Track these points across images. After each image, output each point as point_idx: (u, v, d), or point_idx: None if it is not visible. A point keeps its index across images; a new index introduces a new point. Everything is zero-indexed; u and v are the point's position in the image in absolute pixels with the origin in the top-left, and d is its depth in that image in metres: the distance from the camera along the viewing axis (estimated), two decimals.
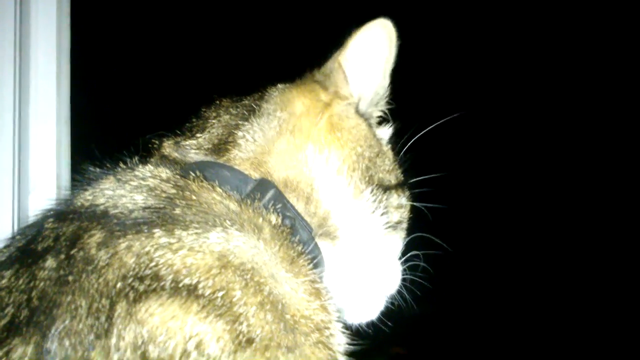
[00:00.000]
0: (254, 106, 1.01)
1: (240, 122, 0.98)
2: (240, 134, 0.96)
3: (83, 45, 1.78)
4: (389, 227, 1.01)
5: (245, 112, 1.01)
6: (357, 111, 1.05)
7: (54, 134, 1.59)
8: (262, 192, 0.87)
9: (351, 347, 0.77)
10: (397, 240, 1.04)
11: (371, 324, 0.99)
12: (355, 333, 0.81)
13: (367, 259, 0.98)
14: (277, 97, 1.03)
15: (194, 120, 1.08)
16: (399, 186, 1.04)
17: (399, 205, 1.03)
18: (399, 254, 1.05)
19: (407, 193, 1.06)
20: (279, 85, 1.07)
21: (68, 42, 1.66)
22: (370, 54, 1.03)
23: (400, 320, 1.05)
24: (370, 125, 1.06)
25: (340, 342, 0.76)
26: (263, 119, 0.98)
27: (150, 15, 2.85)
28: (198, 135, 1.00)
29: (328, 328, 0.75)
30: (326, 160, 0.95)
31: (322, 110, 1.00)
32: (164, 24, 2.91)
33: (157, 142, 1.04)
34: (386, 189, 1.00)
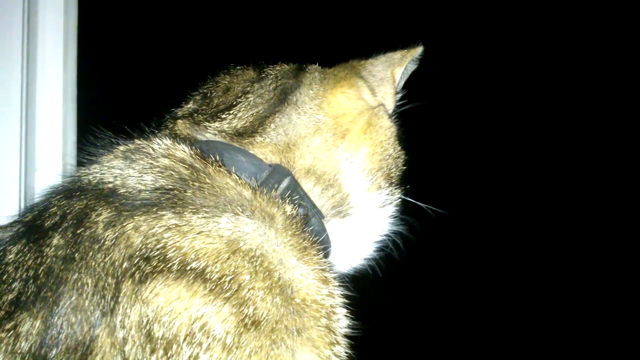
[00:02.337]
0: (290, 93, 0.98)
1: (273, 112, 0.95)
2: (272, 125, 0.93)
3: (90, 22, 1.77)
4: (391, 213, 1.04)
5: (278, 99, 0.97)
6: (389, 114, 1.08)
7: (61, 111, 1.60)
8: (277, 180, 0.86)
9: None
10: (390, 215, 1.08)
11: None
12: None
13: (368, 230, 1.02)
14: (316, 87, 1.00)
15: (211, 89, 1.04)
16: (402, 182, 1.07)
17: (398, 197, 1.06)
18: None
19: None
20: (317, 69, 1.05)
21: (75, 20, 1.66)
22: (408, 70, 1.12)
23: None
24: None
25: (343, 326, 0.77)
26: (301, 115, 0.95)
27: None
28: (221, 115, 0.95)
29: (335, 313, 0.76)
30: (356, 157, 0.97)
31: (364, 111, 1.01)
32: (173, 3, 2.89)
33: (170, 117, 1.01)
34: (397, 186, 1.03)
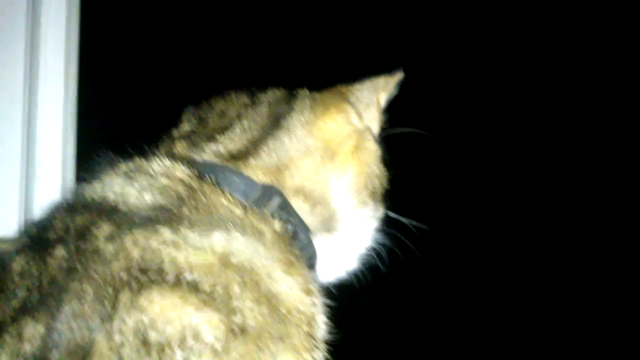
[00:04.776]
0: (282, 119, 1.03)
1: (266, 137, 1.00)
2: (265, 149, 0.99)
3: (92, 34, 1.82)
4: (374, 227, 1.11)
5: (271, 124, 1.03)
6: (374, 137, 1.15)
7: (61, 123, 1.64)
8: (268, 199, 0.92)
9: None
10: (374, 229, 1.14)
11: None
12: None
13: (353, 243, 1.09)
14: (307, 114, 1.05)
15: (207, 112, 1.09)
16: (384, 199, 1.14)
17: (382, 213, 1.13)
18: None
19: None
20: (307, 95, 1.11)
21: (77, 32, 1.70)
22: (391, 95, 1.19)
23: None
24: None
25: (323, 332, 0.83)
26: (292, 140, 1.01)
27: (159, 7, 2.88)
28: (217, 138, 1.01)
29: (316, 321, 0.82)
30: (344, 177, 1.04)
31: (352, 134, 1.08)
32: (174, 16, 2.94)
33: (168, 138, 1.07)
34: (381, 202, 1.11)
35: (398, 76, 1.18)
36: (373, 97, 1.15)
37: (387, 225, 1.12)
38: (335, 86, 1.16)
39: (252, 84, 1.13)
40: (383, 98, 1.16)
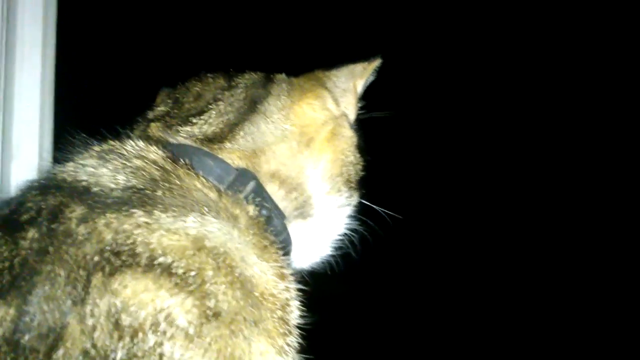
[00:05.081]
0: (259, 103, 1.02)
1: (242, 121, 0.99)
2: (241, 133, 0.98)
3: (70, 15, 1.79)
4: (349, 214, 1.11)
5: (248, 108, 1.02)
6: (350, 123, 1.14)
7: (38, 102, 1.62)
8: (243, 183, 0.91)
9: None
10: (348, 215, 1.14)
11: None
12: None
13: (327, 230, 1.09)
14: (284, 98, 1.05)
15: (182, 94, 1.07)
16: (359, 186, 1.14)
17: (356, 200, 1.13)
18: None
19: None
20: (285, 80, 1.10)
21: (55, 12, 1.68)
22: (368, 81, 1.18)
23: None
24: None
25: (296, 317, 0.84)
26: (269, 124, 1.00)
27: None
28: (193, 120, 0.99)
29: (289, 306, 0.82)
30: (319, 163, 1.03)
31: (329, 121, 1.07)
32: None
33: (143, 120, 1.05)
34: (355, 189, 1.11)
35: (376, 63, 1.17)
36: (350, 83, 1.14)
37: (361, 213, 1.13)
38: (312, 71, 1.15)
39: (229, 67, 1.12)
40: (360, 84, 1.16)
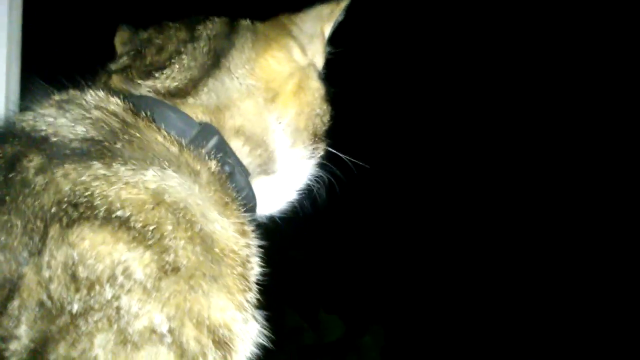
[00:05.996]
0: (222, 57, 0.99)
1: (205, 76, 0.96)
2: (205, 89, 0.95)
3: None
4: (314, 165, 1.10)
5: (211, 62, 0.98)
6: (318, 74, 1.10)
7: (4, 50, 1.57)
8: (205, 138, 0.89)
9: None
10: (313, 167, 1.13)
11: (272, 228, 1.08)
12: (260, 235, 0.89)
13: (291, 183, 1.08)
14: (248, 51, 1.01)
15: (144, 46, 1.03)
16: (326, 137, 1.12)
17: (323, 149, 1.11)
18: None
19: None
20: (249, 28, 1.06)
21: None
22: (337, 22, 1.12)
23: (298, 226, 1.17)
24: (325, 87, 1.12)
25: (256, 274, 0.84)
26: (233, 80, 0.97)
27: None
28: (155, 74, 0.96)
29: (250, 262, 0.83)
30: (284, 118, 1.01)
31: (295, 72, 1.04)
32: None
33: (105, 71, 1.02)
34: (321, 140, 1.09)
35: (345, 2, 1.10)
36: (317, 27, 1.09)
37: (328, 160, 1.11)
38: (277, 16, 1.09)
39: (192, 11, 1.07)
40: (328, 28, 1.10)
